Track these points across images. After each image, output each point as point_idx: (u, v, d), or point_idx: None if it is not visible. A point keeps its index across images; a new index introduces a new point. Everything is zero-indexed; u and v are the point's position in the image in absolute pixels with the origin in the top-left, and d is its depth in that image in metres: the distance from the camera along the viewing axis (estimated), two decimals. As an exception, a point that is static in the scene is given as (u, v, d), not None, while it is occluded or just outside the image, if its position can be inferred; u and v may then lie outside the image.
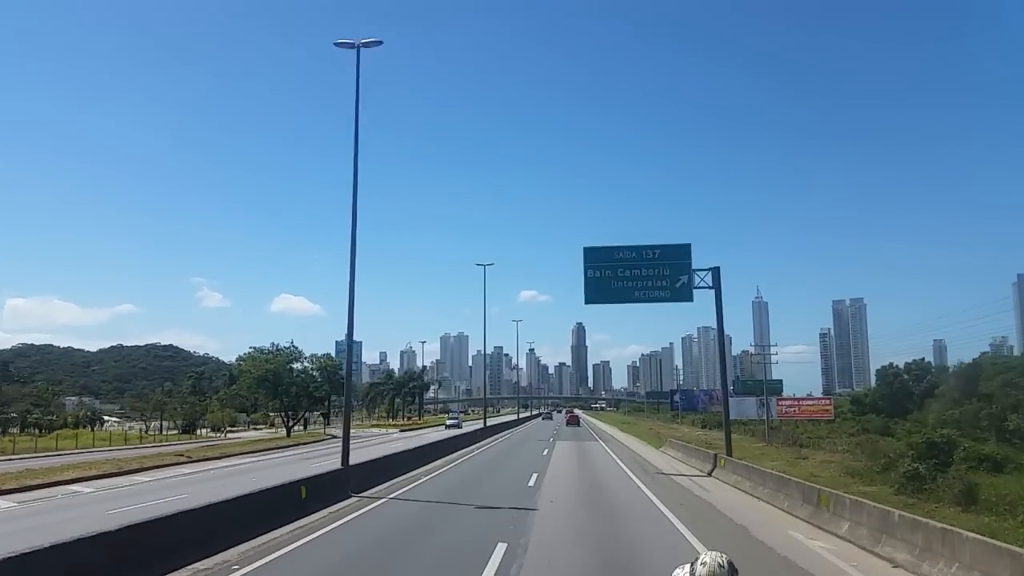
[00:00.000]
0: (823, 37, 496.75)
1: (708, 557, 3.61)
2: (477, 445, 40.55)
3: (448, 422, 74.51)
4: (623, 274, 28.53)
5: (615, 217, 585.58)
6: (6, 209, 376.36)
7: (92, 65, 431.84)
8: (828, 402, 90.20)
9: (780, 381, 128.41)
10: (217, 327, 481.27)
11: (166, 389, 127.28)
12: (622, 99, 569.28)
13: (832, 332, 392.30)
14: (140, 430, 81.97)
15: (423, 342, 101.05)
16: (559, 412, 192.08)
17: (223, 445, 50.35)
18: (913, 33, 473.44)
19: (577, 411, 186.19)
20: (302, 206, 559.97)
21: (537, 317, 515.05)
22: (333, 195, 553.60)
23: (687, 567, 3.66)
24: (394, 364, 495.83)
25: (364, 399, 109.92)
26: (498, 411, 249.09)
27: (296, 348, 63.56)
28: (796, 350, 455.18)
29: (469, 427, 55.74)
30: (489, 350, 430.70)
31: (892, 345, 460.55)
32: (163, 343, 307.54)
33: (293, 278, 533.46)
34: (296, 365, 63.72)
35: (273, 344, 63.45)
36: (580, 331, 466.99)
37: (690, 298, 28.26)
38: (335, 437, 60.88)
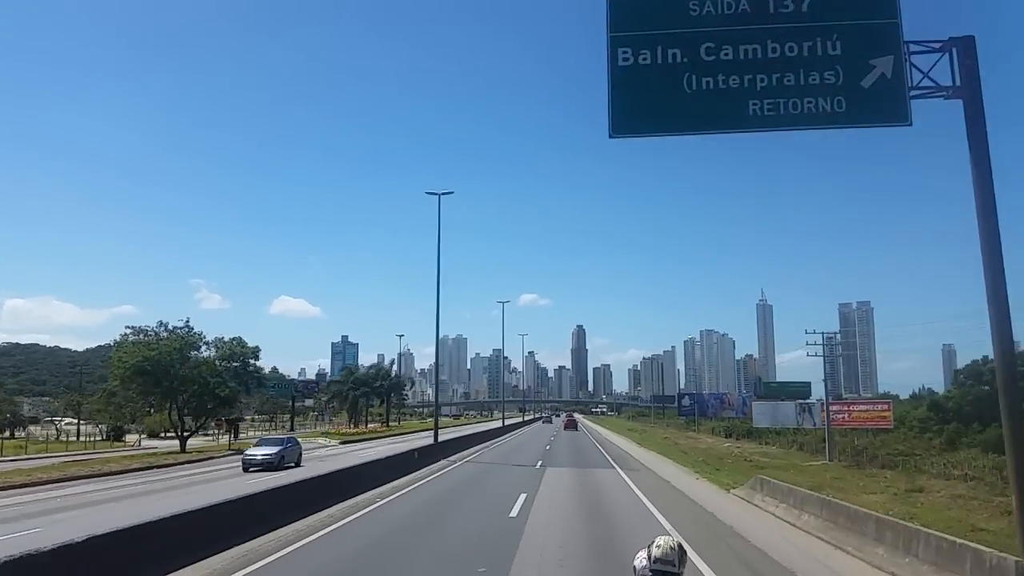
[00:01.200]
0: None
1: (662, 540, 4.22)
2: (391, 486, 21.36)
3: (250, 457, 30.46)
4: (716, 58, 10.17)
5: (616, 220, 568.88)
6: (5, 212, 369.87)
7: (90, 70, 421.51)
8: (886, 407, 71.48)
9: (808, 384, 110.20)
10: (217, 329, 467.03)
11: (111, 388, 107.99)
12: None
13: (838, 336, 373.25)
14: (51, 436, 65.70)
15: (401, 335, 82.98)
16: (558, 416, 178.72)
17: (63, 465, 33.30)
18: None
19: (577, 415, 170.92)
20: (300, 209, 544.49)
21: (537, 321, 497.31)
22: (331, 198, 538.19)
23: (645, 550, 4.27)
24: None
25: (329, 400, 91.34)
26: (491, 415, 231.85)
27: (192, 330, 45.19)
28: (796, 355, 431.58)
29: (411, 444, 35.47)
30: (488, 352, 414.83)
31: (900, 350, 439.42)
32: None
33: (292, 280, 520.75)
34: (195, 354, 45.43)
35: (161, 323, 45.09)
36: (580, 334, 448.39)
37: (904, 117, 9.94)
38: (242, 452, 42.60)
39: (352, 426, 73.59)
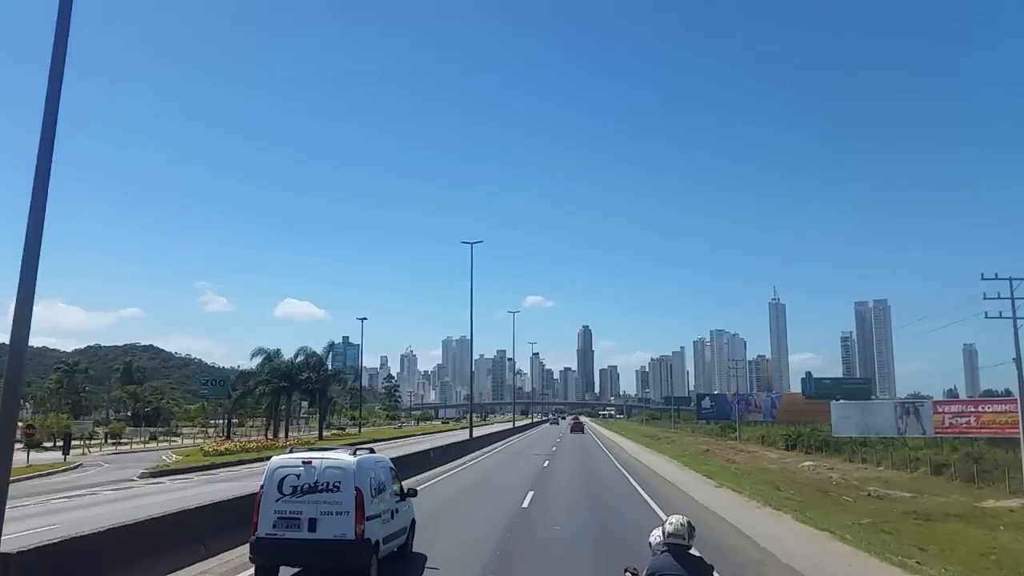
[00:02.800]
0: (843, 31, 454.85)
1: (674, 518, 4.77)
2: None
3: None
4: None
5: (622, 221, 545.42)
6: (9, 216, 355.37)
7: (93, 78, 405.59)
8: (1034, 408, 47.38)
9: (869, 380, 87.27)
10: (222, 331, 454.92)
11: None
12: (629, 102, 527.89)
13: (854, 336, 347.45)
14: None
15: (363, 319, 63.04)
16: (563, 419, 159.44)
17: None
18: (940, 28, 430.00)
19: (584, 418, 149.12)
20: (306, 212, 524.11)
21: (542, 323, 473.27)
22: (338, 202, 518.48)
23: (660, 527, 4.81)
24: (395, 369, 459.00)
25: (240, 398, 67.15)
26: (495, 417, 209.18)
27: None
28: (803, 357, 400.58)
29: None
30: (491, 354, 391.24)
31: (919, 350, 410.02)
32: (143, 343, 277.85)
33: (298, 283, 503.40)
34: None
35: None
36: (586, 335, 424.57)
37: None
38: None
39: (269, 437, 50.48)
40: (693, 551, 4.68)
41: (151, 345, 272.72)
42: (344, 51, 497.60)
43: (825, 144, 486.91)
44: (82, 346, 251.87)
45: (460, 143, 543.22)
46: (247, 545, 9.05)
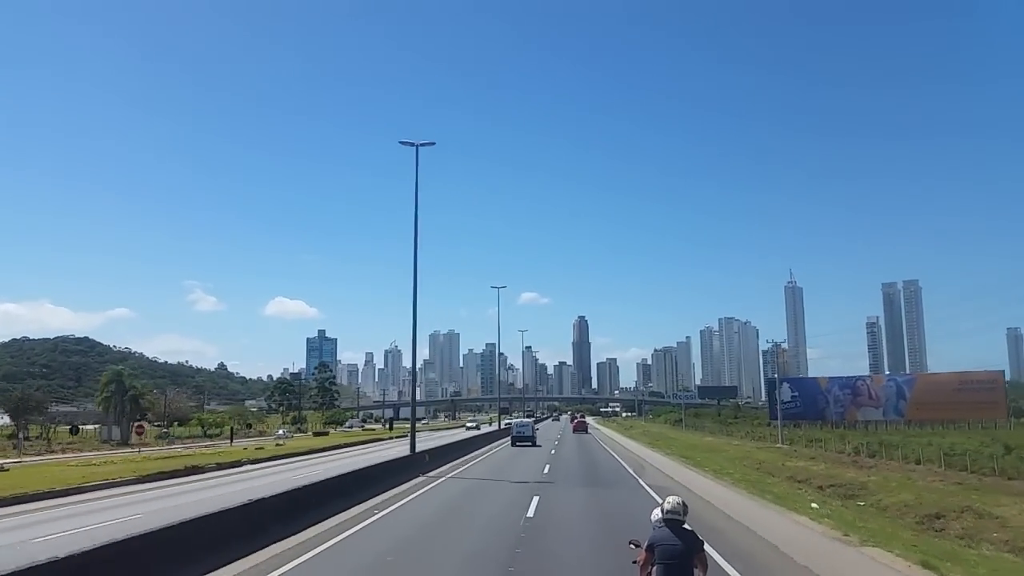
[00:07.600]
0: (862, 29, 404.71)
1: (671, 498, 5.22)
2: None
3: None
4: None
5: (616, 218, 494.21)
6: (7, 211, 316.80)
7: (85, 77, 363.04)
8: None
9: None
10: (212, 331, 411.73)
11: None
12: (623, 97, 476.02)
13: (881, 321, 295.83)
14: None
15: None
16: (557, 419, 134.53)
17: None
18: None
19: (587, 418, 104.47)
20: (294, 211, 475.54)
21: (537, 320, 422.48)
22: (328, 201, 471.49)
23: (659, 507, 5.26)
24: (379, 364, 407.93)
25: None
26: (454, 418, 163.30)
27: None
28: (813, 353, 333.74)
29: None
30: (481, 348, 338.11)
31: (955, 337, 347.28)
32: (77, 335, 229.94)
33: (288, 281, 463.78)
34: None
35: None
36: (582, 326, 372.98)
37: None
38: None
39: None
40: (686, 526, 5.11)
41: (86, 337, 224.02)
42: (336, 47, 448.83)
43: (836, 139, 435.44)
44: (7, 339, 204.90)
45: (452, 139, 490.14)
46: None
